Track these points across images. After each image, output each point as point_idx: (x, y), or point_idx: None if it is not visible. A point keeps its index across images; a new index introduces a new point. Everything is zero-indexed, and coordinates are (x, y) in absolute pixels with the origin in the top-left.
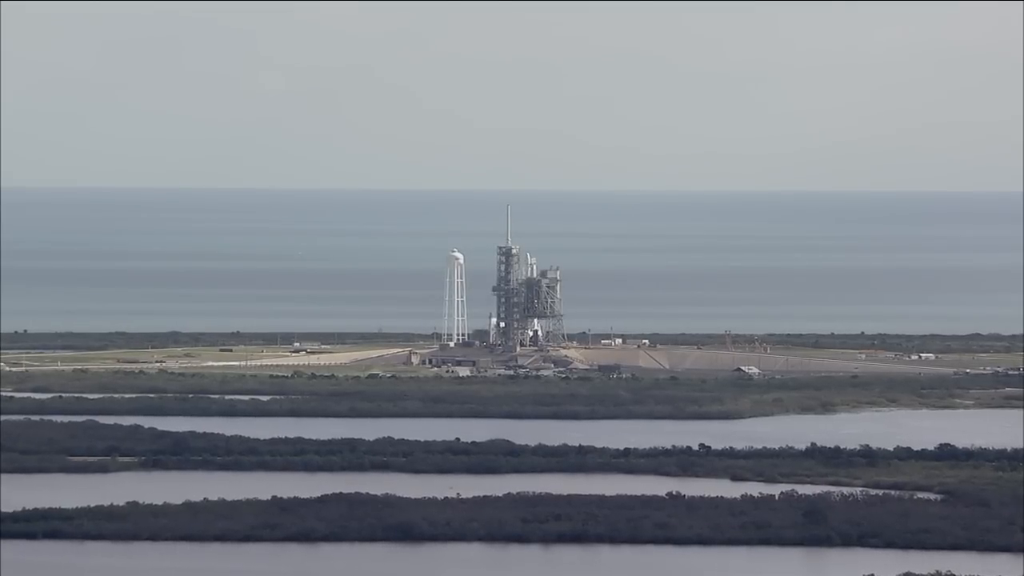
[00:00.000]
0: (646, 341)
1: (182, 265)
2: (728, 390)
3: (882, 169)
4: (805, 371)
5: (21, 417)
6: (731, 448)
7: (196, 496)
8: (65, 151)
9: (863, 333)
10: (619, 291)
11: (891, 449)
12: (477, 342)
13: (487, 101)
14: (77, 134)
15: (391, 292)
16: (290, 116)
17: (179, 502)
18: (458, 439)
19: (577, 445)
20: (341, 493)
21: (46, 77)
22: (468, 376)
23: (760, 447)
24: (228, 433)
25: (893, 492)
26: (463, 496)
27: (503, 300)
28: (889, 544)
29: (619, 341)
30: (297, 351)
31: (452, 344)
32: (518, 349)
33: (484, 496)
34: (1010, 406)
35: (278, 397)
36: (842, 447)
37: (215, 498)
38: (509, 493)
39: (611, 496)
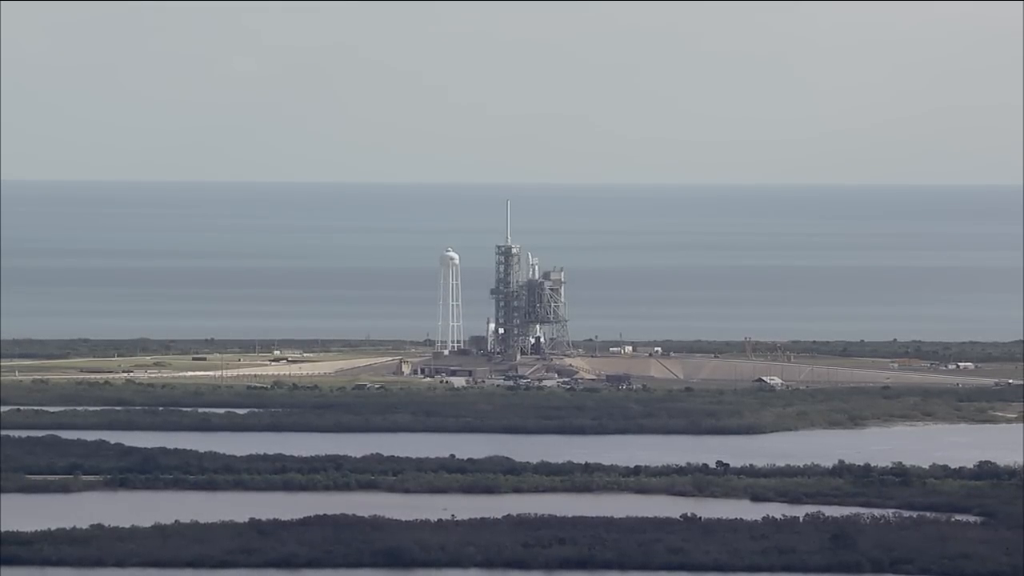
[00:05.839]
0: (658, 349)
1: (149, 264)
2: (748, 402)
3: (907, 160)
4: (832, 381)
5: None
6: (751, 466)
7: (166, 518)
8: (17, 140)
9: (895, 340)
10: (629, 294)
11: (926, 467)
12: (474, 350)
13: (487, 84)
14: (31, 123)
15: (380, 292)
16: (266, 103)
17: (148, 525)
18: (453, 456)
19: (583, 462)
20: (325, 515)
21: None
22: (464, 387)
23: (783, 465)
24: (201, 449)
25: (928, 514)
26: (458, 518)
27: (502, 304)
28: (924, 571)
29: (629, 349)
30: (277, 360)
31: (446, 352)
32: (518, 357)
33: (481, 518)
34: None
35: (256, 410)
36: (873, 465)
37: (187, 520)
38: (509, 515)
39: (620, 518)
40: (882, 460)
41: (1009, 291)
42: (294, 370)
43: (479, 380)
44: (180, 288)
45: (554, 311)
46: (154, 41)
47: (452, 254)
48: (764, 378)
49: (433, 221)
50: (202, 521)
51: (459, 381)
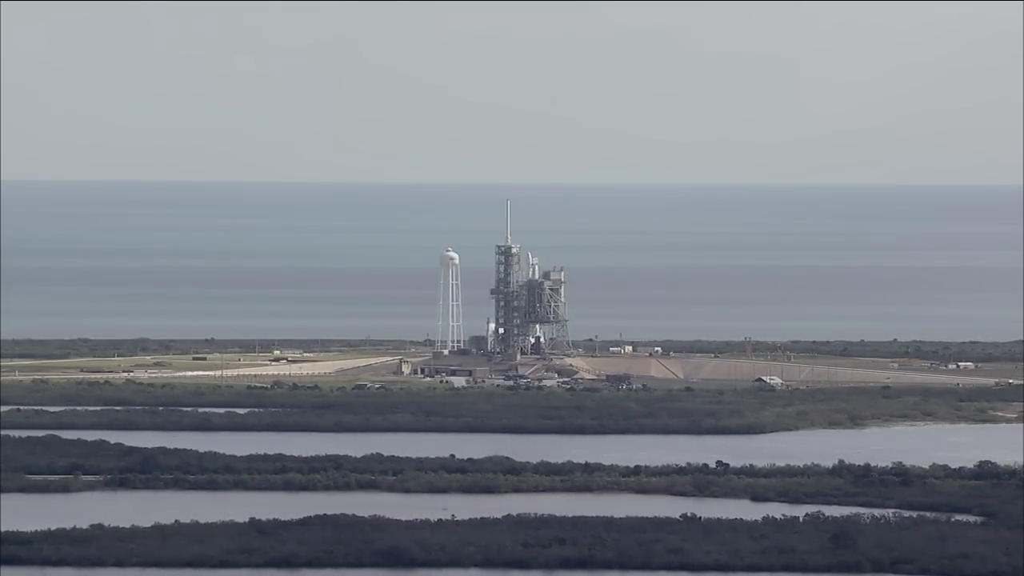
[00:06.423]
0: (658, 349)
1: (149, 264)
2: (748, 402)
3: (907, 160)
4: (832, 381)
5: None
6: (751, 466)
7: (167, 518)
8: (17, 140)
9: (895, 340)
10: (629, 293)
11: (926, 467)
12: (474, 350)
13: (486, 83)
14: (31, 123)
15: (380, 292)
16: (266, 102)
17: (148, 525)
18: (453, 456)
19: (583, 462)
20: (325, 515)
21: None
22: (464, 387)
23: (783, 464)
24: (202, 449)
25: (928, 514)
26: (458, 518)
27: (502, 304)
28: (924, 571)
29: (629, 349)
30: (277, 360)
31: (446, 352)
32: (518, 357)
33: (481, 518)
34: None
35: (256, 410)
36: (873, 465)
37: (187, 520)
38: (509, 515)
39: (620, 518)
40: (882, 460)
41: (1009, 291)
42: (294, 370)
43: (479, 380)
44: (180, 288)
45: (554, 311)
46: (154, 41)
47: (452, 254)
48: (764, 378)
49: (433, 221)
50: (202, 521)
51: (459, 381)
